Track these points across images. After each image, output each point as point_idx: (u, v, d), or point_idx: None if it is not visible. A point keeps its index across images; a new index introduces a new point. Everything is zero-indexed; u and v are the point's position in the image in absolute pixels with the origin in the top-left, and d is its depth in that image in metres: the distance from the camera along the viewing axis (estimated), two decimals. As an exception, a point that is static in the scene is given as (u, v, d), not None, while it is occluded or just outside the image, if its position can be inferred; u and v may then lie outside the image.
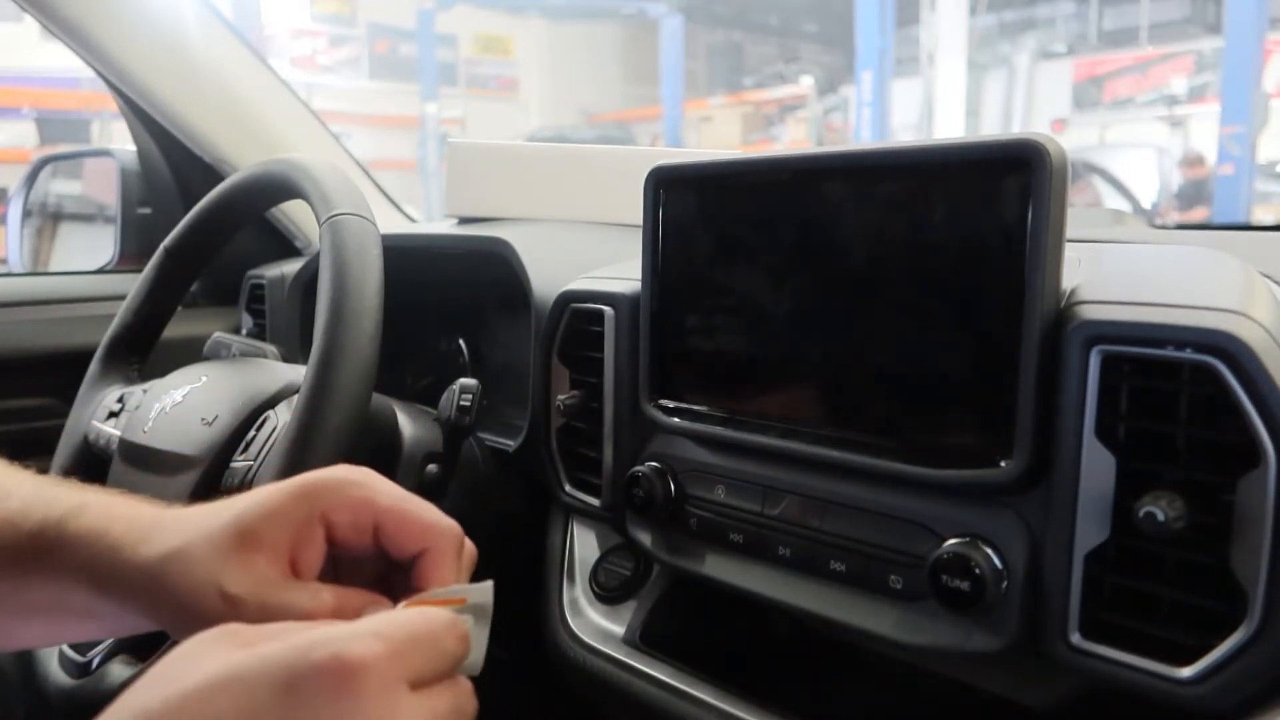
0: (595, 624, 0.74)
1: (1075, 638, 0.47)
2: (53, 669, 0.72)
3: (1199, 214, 7.29)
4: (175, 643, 0.34)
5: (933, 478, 0.50)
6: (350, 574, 0.41)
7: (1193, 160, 7.75)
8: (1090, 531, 0.46)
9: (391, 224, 1.27)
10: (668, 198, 0.63)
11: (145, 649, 0.68)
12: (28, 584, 0.41)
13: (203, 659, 0.31)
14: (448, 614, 0.36)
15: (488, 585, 0.38)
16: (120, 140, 1.34)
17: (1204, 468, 0.43)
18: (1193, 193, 7.48)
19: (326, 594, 0.38)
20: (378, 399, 0.75)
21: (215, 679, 0.30)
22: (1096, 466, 0.45)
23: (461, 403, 0.74)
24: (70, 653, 0.72)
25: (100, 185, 1.47)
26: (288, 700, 0.30)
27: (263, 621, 0.34)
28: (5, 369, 1.11)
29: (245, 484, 0.65)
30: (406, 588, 0.39)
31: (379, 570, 0.42)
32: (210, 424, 0.69)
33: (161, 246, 0.83)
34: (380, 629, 0.32)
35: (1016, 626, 0.48)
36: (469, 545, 0.42)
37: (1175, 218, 7.36)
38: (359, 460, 0.44)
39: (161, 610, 0.39)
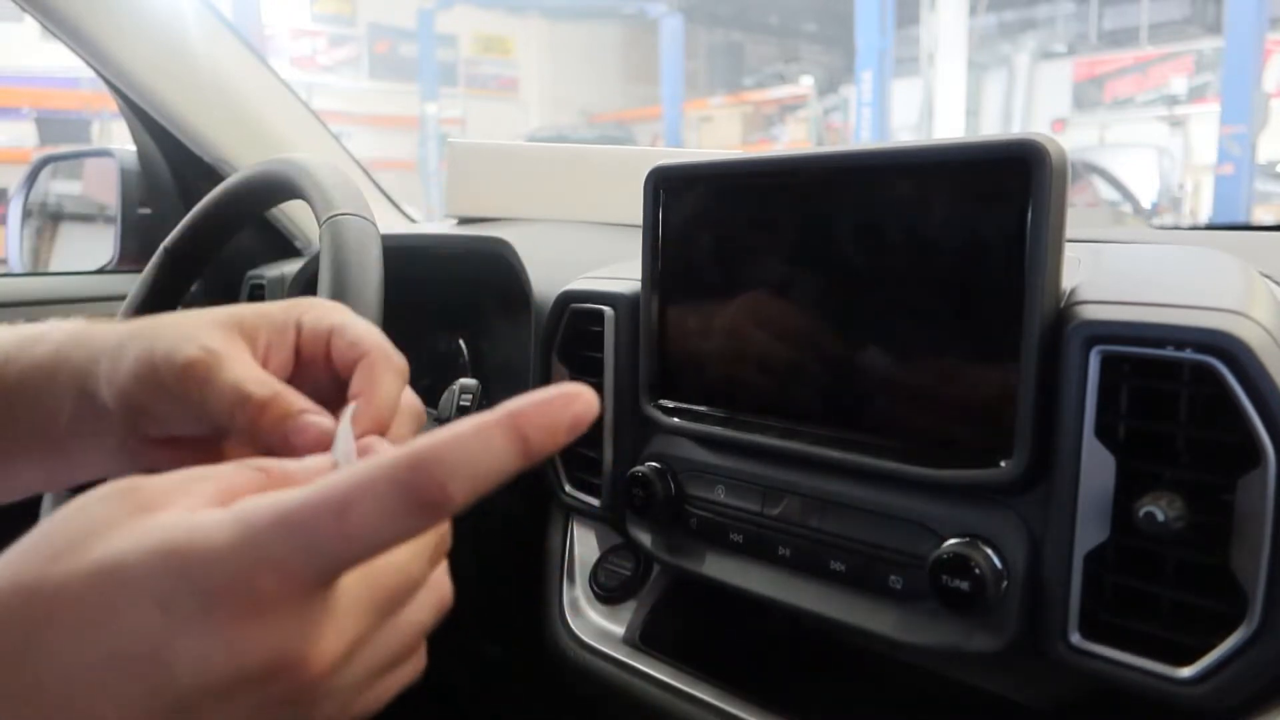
0: (595, 624, 0.74)
1: (1075, 638, 0.47)
2: None
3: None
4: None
5: (933, 478, 0.50)
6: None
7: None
8: (1090, 531, 0.46)
9: (391, 224, 1.27)
10: (668, 198, 0.63)
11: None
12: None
13: (109, 527, 0.27)
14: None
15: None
16: (120, 140, 1.34)
17: (1204, 468, 0.43)
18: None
19: (275, 384, 0.38)
20: (378, 399, 0.74)
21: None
22: (1096, 466, 0.45)
23: (461, 403, 0.74)
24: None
25: (100, 185, 1.47)
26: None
27: (217, 391, 0.36)
28: (5, 369, 1.11)
29: None
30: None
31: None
32: (210, 424, 0.69)
33: (161, 247, 0.83)
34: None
35: (1016, 626, 0.48)
36: (414, 401, 0.42)
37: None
38: None
39: (125, 366, 0.38)
